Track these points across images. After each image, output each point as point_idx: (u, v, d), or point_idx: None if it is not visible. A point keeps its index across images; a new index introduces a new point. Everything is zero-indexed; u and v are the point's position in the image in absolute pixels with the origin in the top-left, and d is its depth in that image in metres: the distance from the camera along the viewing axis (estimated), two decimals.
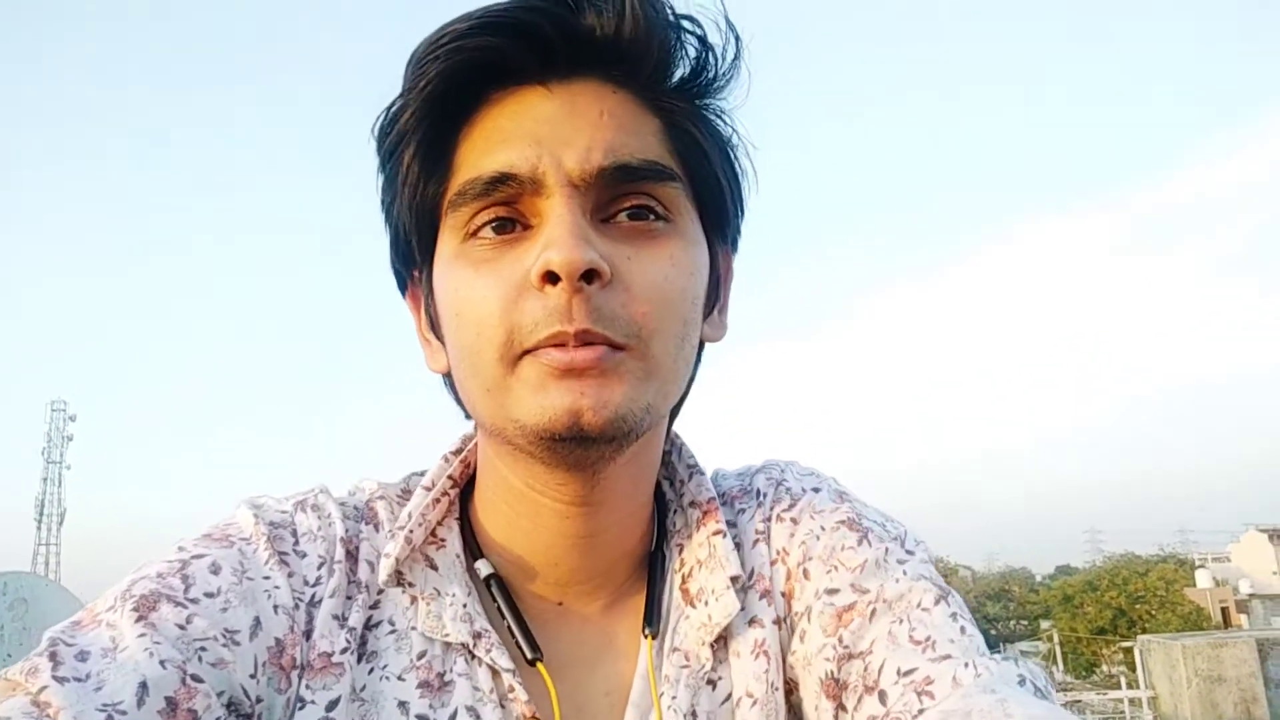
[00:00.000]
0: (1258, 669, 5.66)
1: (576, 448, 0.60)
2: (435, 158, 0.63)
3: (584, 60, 0.62)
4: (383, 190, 0.68)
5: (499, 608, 0.67)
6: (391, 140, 0.64)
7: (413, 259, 0.68)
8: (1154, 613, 33.75)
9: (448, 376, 0.70)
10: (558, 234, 0.57)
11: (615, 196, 0.61)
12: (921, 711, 0.55)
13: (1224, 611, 37.18)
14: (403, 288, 0.72)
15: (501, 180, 0.60)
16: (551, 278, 0.57)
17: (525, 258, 0.59)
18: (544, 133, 0.60)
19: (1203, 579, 38.82)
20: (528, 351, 0.58)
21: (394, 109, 0.64)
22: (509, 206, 0.61)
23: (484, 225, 0.61)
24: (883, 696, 0.58)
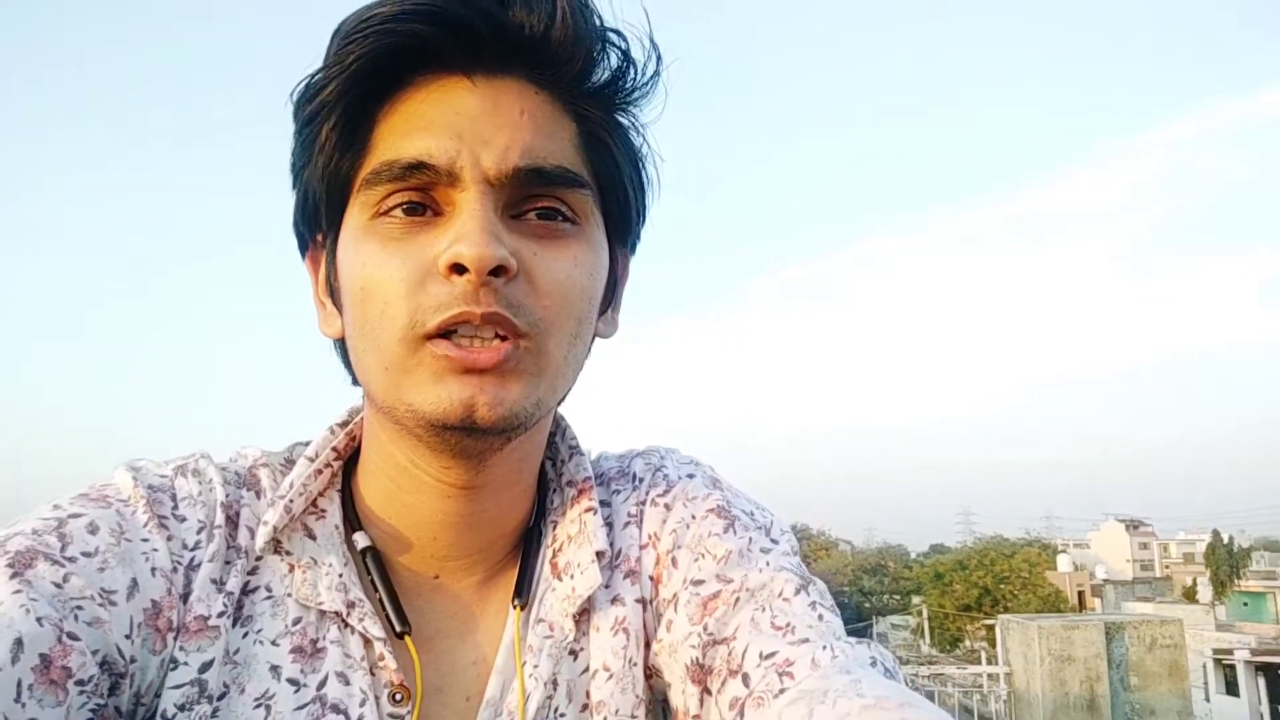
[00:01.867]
0: (1104, 650, 6.09)
1: (465, 438, 0.62)
2: (353, 132, 0.63)
3: (510, 57, 0.63)
4: (295, 155, 0.68)
5: (373, 580, 0.68)
6: (311, 110, 0.64)
7: (318, 225, 0.68)
8: (1017, 593, 35.42)
9: (339, 342, 0.71)
10: (470, 229, 0.59)
11: (527, 196, 0.63)
12: (782, 691, 0.58)
13: (1080, 595, 39.33)
14: (303, 249, 0.72)
15: (418, 167, 0.61)
16: (458, 269, 0.59)
17: (435, 243, 0.60)
18: (464, 126, 0.61)
19: (1063, 564, 40.94)
20: (430, 337, 0.60)
21: (317, 79, 0.64)
22: (422, 192, 0.62)
23: (395, 206, 0.62)
24: (745, 679, 0.61)
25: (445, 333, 0.60)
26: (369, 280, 0.61)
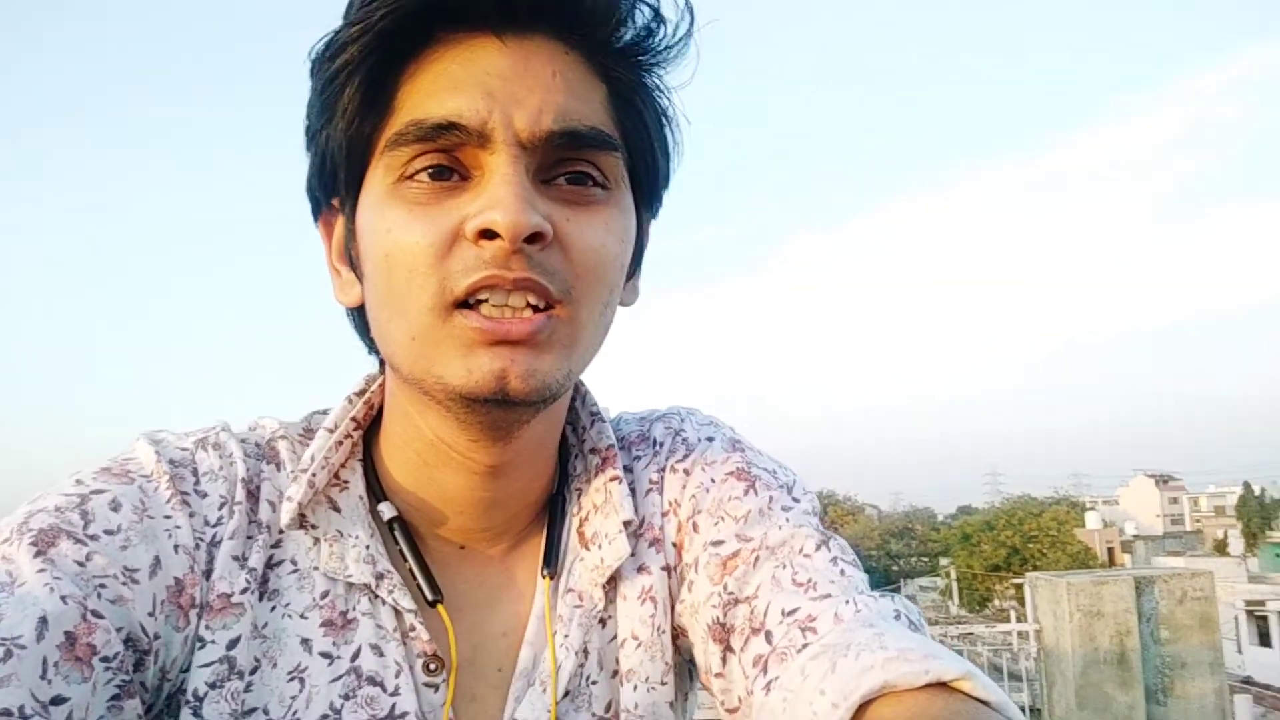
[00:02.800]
0: (1133, 605, 6.03)
1: (496, 410, 0.61)
2: (376, 94, 0.61)
3: (540, 15, 0.61)
4: (314, 117, 0.65)
5: (401, 550, 0.68)
6: (333, 70, 0.61)
7: (336, 188, 0.66)
8: (1045, 551, 35.29)
9: (356, 310, 0.69)
10: (503, 194, 0.57)
11: (558, 160, 0.61)
12: (805, 646, 0.58)
13: (1110, 551, 39.13)
14: (316, 214, 0.70)
15: (447, 128, 0.58)
16: (489, 235, 0.57)
17: (464, 207, 0.58)
18: (496, 86, 0.59)
19: (1092, 520, 40.72)
20: (460, 305, 0.58)
21: (339, 37, 0.61)
22: (449, 154, 0.59)
23: (422, 170, 0.60)
24: (769, 636, 0.61)
25: (475, 302, 0.58)
26: (394, 246, 0.59)
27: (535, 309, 0.59)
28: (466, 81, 0.59)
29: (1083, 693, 6.00)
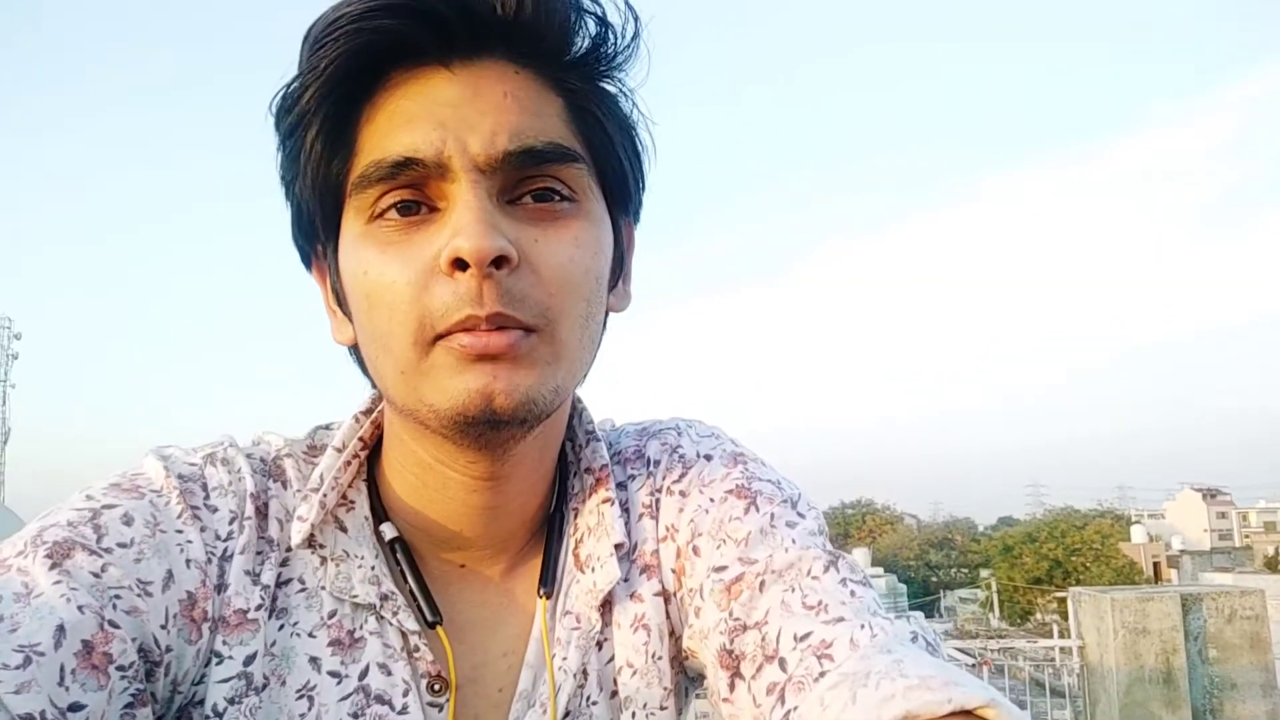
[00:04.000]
0: (1180, 622, 5.88)
1: (487, 430, 0.61)
2: (338, 137, 0.62)
3: (485, 40, 0.62)
4: (283, 168, 0.66)
5: (402, 571, 0.69)
6: (292, 120, 0.63)
7: (316, 235, 0.67)
8: (1089, 565, 34.77)
9: (353, 348, 0.70)
10: (466, 221, 0.58)
11: (520, 179, 0.62)
12: (823, 674, 0.56)
13: (1155, 566, 38.42)
14: (306, 262, 0.72)
15: (406, 164, 0.59)
16: (460, 264, 0.58)
17: (434, 240, 0.59)
18: (447, 116, 0.60)
19: (1137, 534, 40.00)
20: (440, 336, 0.59)
21: (294, 88, 0.63)
22: (414, 189, 0.60)
23: (389, 207, 0.61)
24: (782, 663, 0.59)
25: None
26: (372, 287, 0.61)
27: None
28: (419, 115, 0.60)
29: (1128, 711, 5.88)
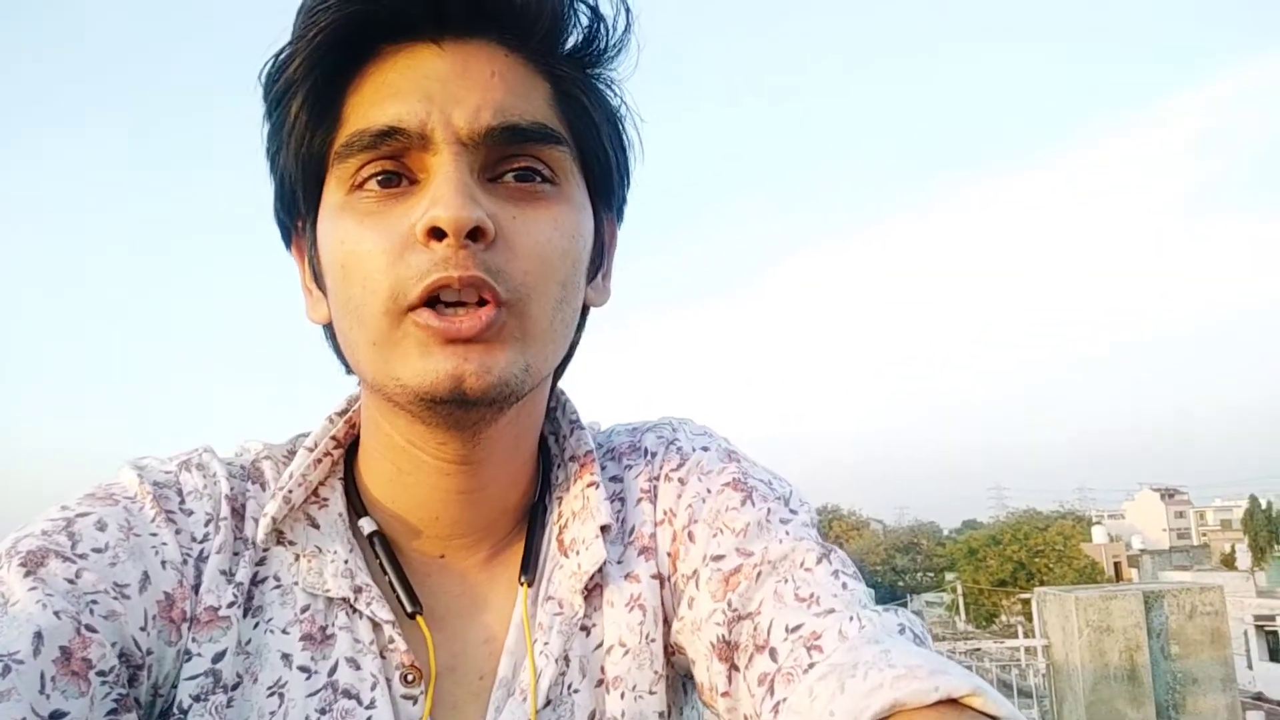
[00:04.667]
0: (1143, 619, 5.96)
1: (457, 409, 0.61)
2: (323, 108, 0.62)
3: (477, 21, 0.62)
4: (268, 139, 0.67)
5: (381, 563, 0.69)
6: (279, 89, 0.63)
7: (297, 209, 0.67)
8: (1052, 566, 35.23)
9: (328, 327, 0.70)
10: (444, 191, 0.58)
11: (503, 157, 0.62)
12: (811, 665, 0.57)
13: (1116, 566, 39.04)
14: (287, 239, 0.72)
15: (389, 134, 0.59)
16: (437, 234, 0.58)
17: (411, 212, 0.59)
18: (434, 89, 0.60)
19: (1098, 535, 40.60)
20: (413, 308, 0.59)
21: (282, 57, 0.63)
22: (396, 160, 0.61)
23: (370, 178, 0.61)
24: (773, 654, 0.60)
25: (428, 302, 0.59)
26: (348, 256, 0.61)
27: (484, 304, 0.60)
28: (406, 88, 0.61)
29: (1094, 709, 5.95)
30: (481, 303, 0.59)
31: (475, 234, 0.58)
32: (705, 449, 0.76)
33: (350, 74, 0.62)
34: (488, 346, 0.60)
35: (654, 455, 0.77)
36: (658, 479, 0.75)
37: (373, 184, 0.61)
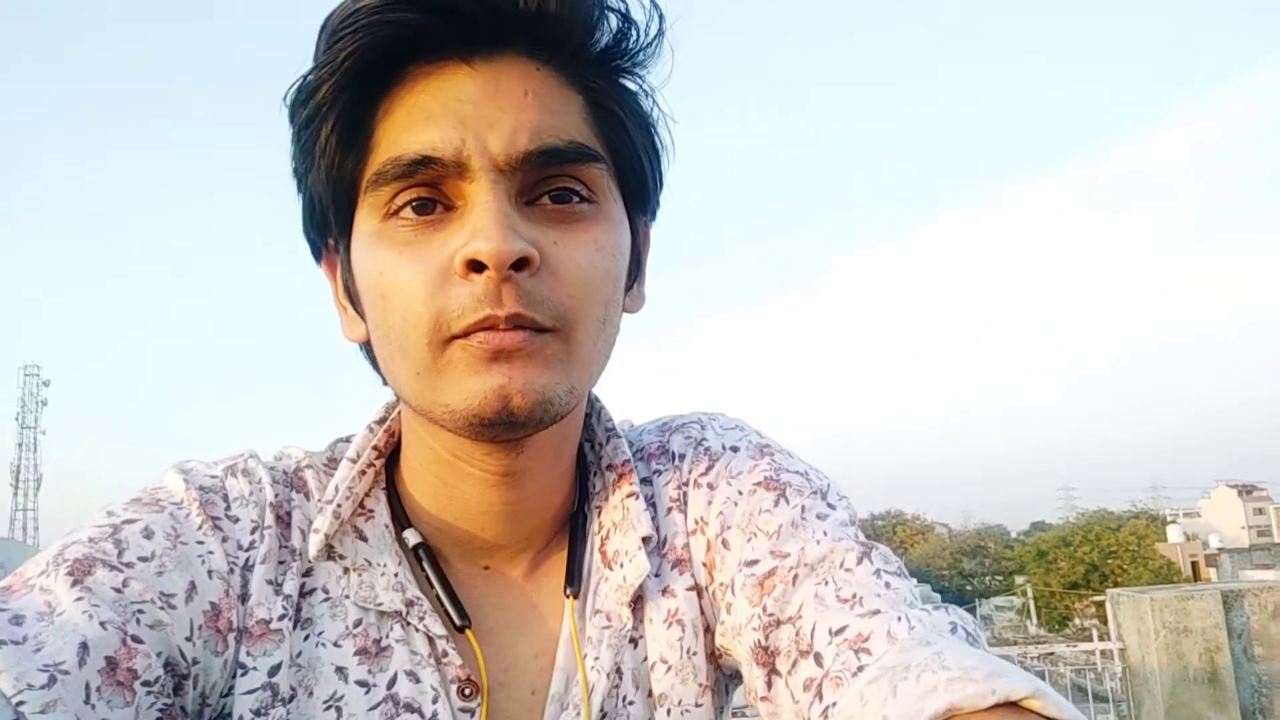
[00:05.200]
0: (1222, 620, 5.76)
1: (503, 431, 0.61)
2: (354, 132, 0.61)
3: (506, 35, 0.61)
4: (297, 161, 0.66)
5: (428, 576, 0.68)
6: (308, 113, 0.62)
7: (329, 230, 0.67)
8: (1126, 567, 34.30)
9: (364, 345, 0.70)
10: (485, 223, 0.57)
11: (540, 179, 0.61)
12: (860, 668, 0.55)
13: (1194, 566, 37.84)
14: (317, 255, 0.71)
15: (424, 162, 0.58)
16: (477, 266, 0.57)
17: (450, 241, 0.59)
18: (468, 113, 0.59)
19: (1173, 534, 39.44)
20: (456, 337, 0.58)
21: (310, 81, 0.62)
22: (431, 188, 0.60)
23: (405, 205, 0.60)
24: (818, 658, 0.58)
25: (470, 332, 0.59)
26: (388, 288, 0.60)
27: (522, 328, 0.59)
28: (438, 112, 0.59)
29: (1173, 713, 5.77)
30: (519, 328, 0.59)
31: (519, 264, 0.57)
32: (735, 448, 0.74)
33: (379, 96, 0.61)
34: (529, 363, 0.59)
35: (682, 458, 0.75)
36: (686, 485, 0.74)
37: (408, 211, 0.60)
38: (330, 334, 0.72)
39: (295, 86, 0.63)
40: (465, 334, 0.58)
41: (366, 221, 0.62)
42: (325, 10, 0.62)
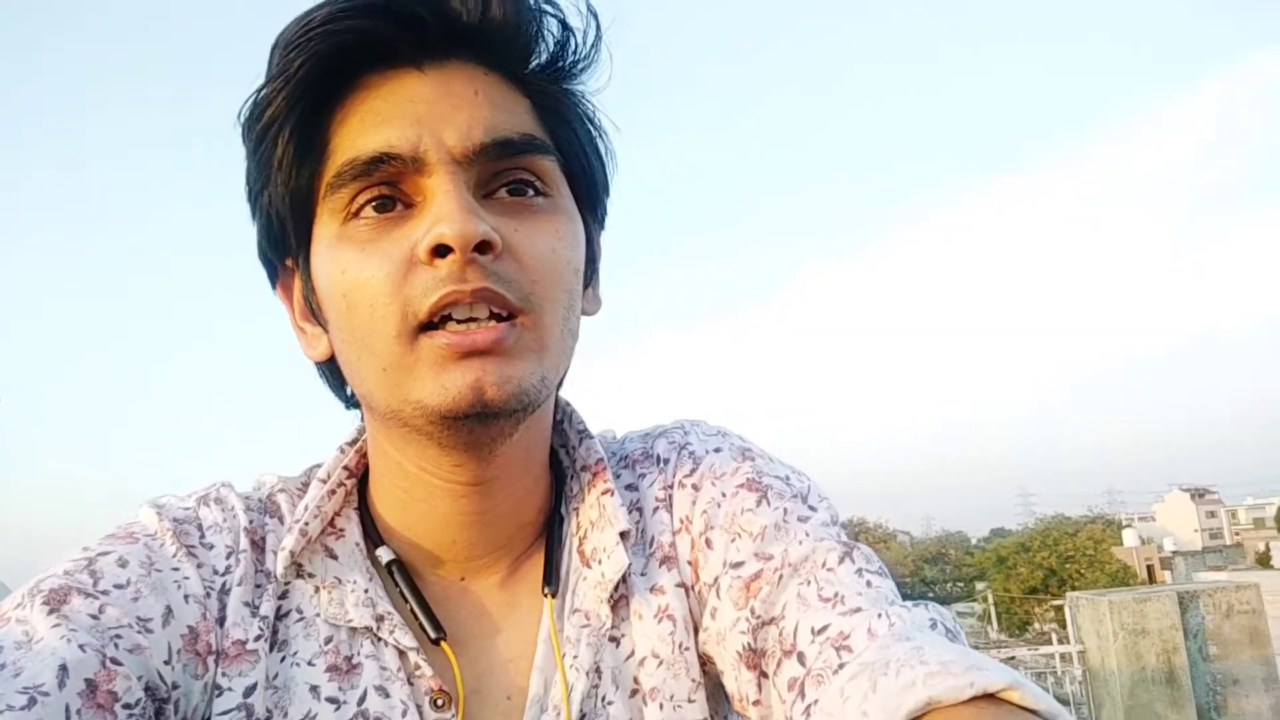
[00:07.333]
0: (1178, 621, 5.87)
1: (477, 425, 0.61)
2: (309, 142, 0.62)
3: (455, 43, 0.63)
4: (252, 179, 0.66)
5: (401, 591, 0.68)
6: (262, 126, 0.63)
7: (287, 245, 0.67)
8: (1083, 571, 34.76)
9: (325, 364, 0.70)
10: (448, 209, 0.58)
11: (495, 172, 0.62)
12: (842, 665, 0.56)
13: (1149, 569, 38.48)
14: (273, 279, 0.71)
15: (382, 160, 0.59)
16: (441, 251, 0.58)
17: (412, 234, 0.59)
18: (422, 112, 0.60)
19: (1129, 538, 40.07)
20: (425, 327, 0.59)
21: (264, 94, 0.62)
22: (390, 186, 0.61)
23: (365, 204, 0.61)
24: (801, 657, 0.59)
25: (440, 320, 0.59)
26: (351, 285, 0.60)
27: (498, 318, 0.60)
28: (393, 113, 0.61)
29: (1133, 713, 5.86)
30: (492, 317, 0.59)
31: (482, 247, 0.58)
32: (718, 450, 0.75)
33: (333, 105, 0.62)
34: (505, 357, 0.60)
35: (667, 462, 0.76)
36: (672, 486, 0.74)
37: (369, 210, 0.61)
38: (297, 353, 0.72)
39: (250, 102, 0.63)
40: (432, 318, 0.58)
41: (326, 227, 0.63)
42: (284, 18, 0.62)
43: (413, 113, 0.60)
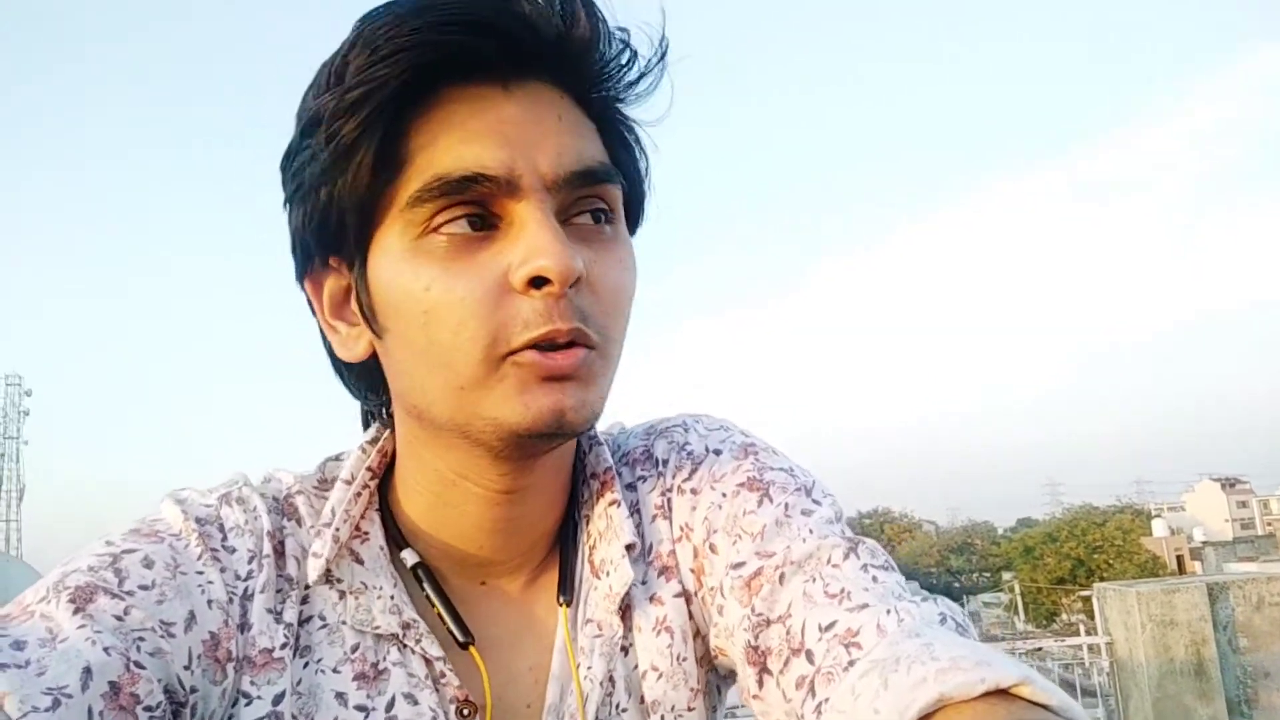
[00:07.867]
0: (1207, 612, 5.81)
1: (544, 442, 0.63)
2: (388, 149, 0.61)
3: (539, 62, 0.62)
4: (312, 170, 0.62)
5: (428, 596, 0.69)
6: (342, 126, 0.60)
7: (339, 245, 0.64)
8: (1111, 562, 34.54)
9: (354, 365, 0.69)
10: (545, 240, 0.58)
11: (576, 199, 0.63)
12: (851, 663, 0.56)
13: (1179, 559, 38.12)
14: (303, 271, 0.68)
15: (474, 179, 0.59)
16: (538, 282, 0.58)
17: (500, 257, 0.59)
18: (511, 133, 0.60)
19: (1158, 528, 39.73)
20: (512, 352, 0.59)
21: (349, 97, 0.59)
22: (480, 205, 0.60)
23: (449, 221, 0.59)
24: (809, 655, 0.58)
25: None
26: (435, 303, 0.59)
27: (573, 345, 0.61)
28: (482, 131, 0.60)
29: (1160, 705, 5.82)
30: (571, 344, 0.60)
31: (575, 282, 0.59)
32: (717, 450, 0.75)
33: (414, 114, 0.61)
34: (582, 383, 0.61)
35: (665, 464, 0.76)
36: (670, 491, 0.74)
37: (453, 227, 0.60)
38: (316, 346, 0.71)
39: (333, 100, 0.60)
40: (523, 349, 0.59)
41: (399, 237, 0.61)
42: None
43: (503, 133, 0.60)
